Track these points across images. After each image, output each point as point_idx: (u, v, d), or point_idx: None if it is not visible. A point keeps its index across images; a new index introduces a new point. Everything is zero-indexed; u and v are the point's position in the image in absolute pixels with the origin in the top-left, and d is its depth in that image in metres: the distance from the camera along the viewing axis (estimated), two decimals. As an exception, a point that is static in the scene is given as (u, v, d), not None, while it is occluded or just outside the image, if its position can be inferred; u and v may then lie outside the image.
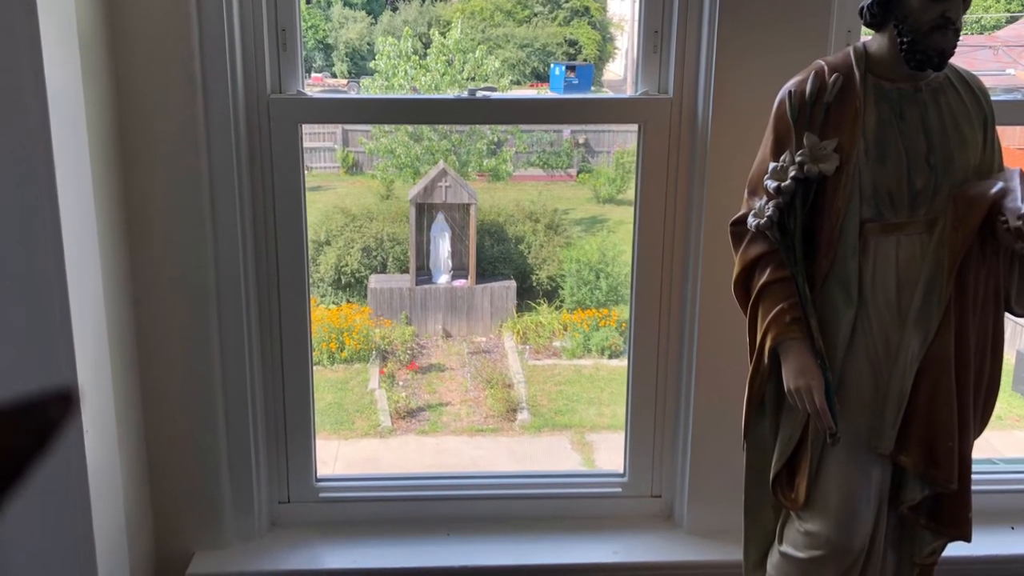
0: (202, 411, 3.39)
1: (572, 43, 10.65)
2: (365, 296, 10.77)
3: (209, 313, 3.30)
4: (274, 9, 3.27)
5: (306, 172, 3.49)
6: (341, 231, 10.83)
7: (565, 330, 10.46)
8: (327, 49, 10.83)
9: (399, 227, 10.94)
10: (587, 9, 10.82)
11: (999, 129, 2.76)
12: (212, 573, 3.47)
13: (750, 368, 2.81)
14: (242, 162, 3.26)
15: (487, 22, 10.84)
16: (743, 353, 2.85)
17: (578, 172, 11.63)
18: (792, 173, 2.61)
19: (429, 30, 10.35)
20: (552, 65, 10.29)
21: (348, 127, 10.88)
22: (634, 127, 3.51)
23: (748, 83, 3.19)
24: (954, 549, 2.92)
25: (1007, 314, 2.77)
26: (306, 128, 3.46)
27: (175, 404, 3.39)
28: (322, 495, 3.73)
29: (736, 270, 2.79)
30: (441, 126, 10.34)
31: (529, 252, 11.02)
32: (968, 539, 2.82)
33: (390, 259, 10.94)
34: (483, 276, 10.85)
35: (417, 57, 9.85)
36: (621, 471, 3.81)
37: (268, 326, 3.49)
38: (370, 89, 10.09)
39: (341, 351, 10.05)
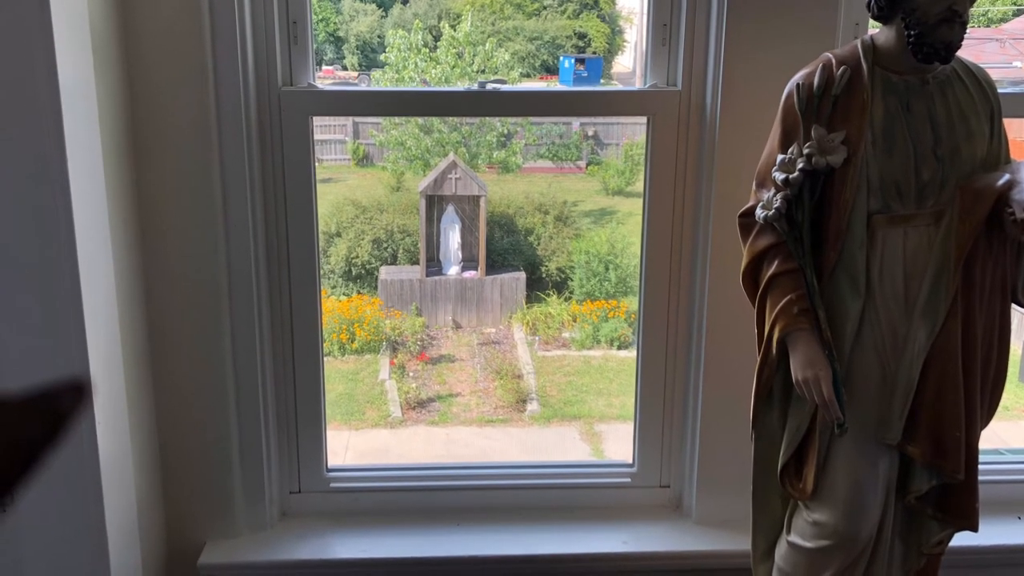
0: (213, 402, 3.40)
1: (581, 36, 10.66)
2: (375, 287, 10.78)
3: (220, 304, 3.31)
4: (285, 2, 3.28)
5: (317, 164, 3.49)
6: (352, 223, 10.84)
7: (574, 321, 10.47)
8: (338, 42, 10.84)
9: (409, 219, 10.95)
10: (596, 2, 10.83)
11: (1006, 121, 2.76)
12: (223, 563, 3.48)
13: (758, 359, 2.82)
14: (253, 154, 3.27)
15: (497, 15, 10.85)
16: (751, 344, 2.86)
17: (587, 164, 11.63)
18: (800, 165, 2.61)
19: (439, 23, 10.35)
20: (561, 58, 10.30)
21: (359, 119, 10.89)
22: (643, 119, 3.51)
23: (756, 76, 3.20)
24: (961, 539, 2.93)
25: (1014, 305, 2.78)
26: (317, 120, 3.47)
27: (187, 395, 3.40)
28: (333, 485, 3.74)
29: (744, 261, 2.80)
30: (451, 118, 10.35)
31: (539, 244, 11.02)
32: (975, 529, 2.83)
33: (400, 251, 10.94)
34: (493, 268, 10.85)
35: (427, 50, 9.86)
36: (630, 461, 3.81)
37: (279, 317, 3.51)
38: (380, 82, 10.11)
39: (352, 342, 10.06)
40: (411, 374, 10.03)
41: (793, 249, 2.68)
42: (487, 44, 9.99)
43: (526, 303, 10.76)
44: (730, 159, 3.27)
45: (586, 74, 8.85)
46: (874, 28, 2.79)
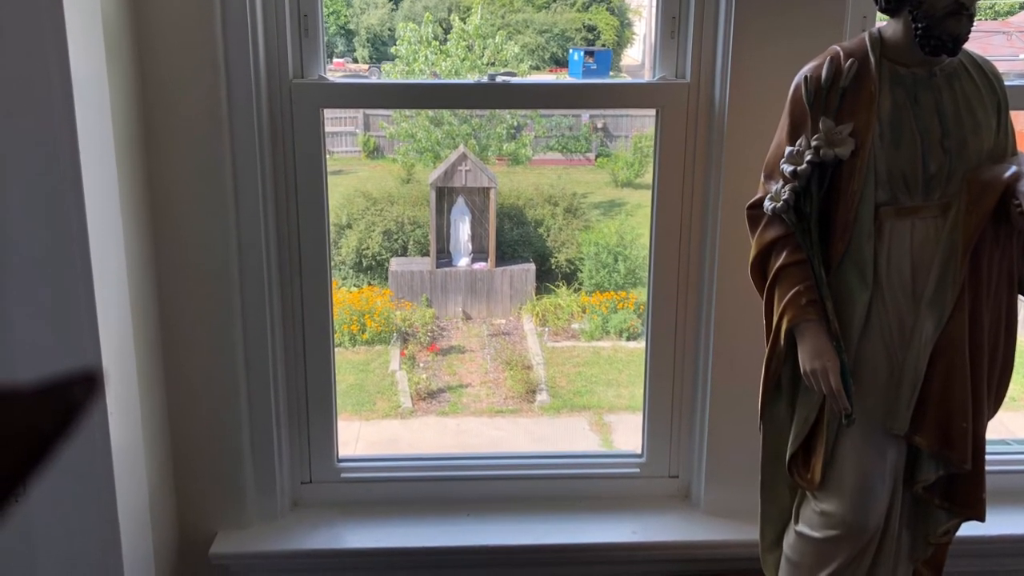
0: (225, 393, 3.42)
1: (591, 29, 10.64)
2: (386, 279, 10.77)
3: (232, 296, 3.32)
4: (296, -5, 3.30)
5: (328, 156, 3.50)
6: (362, 214, 10.83)
7: (584, 312, 10.45)
8: (348, 34, 10.82)
9: (420, 210, 10.94)
10: (605, -5, 10.82)
11: (1012, 114, 2.77)
12: (235, 552, 3.50)
13: (766, 350, 2.83)
14: (264, 146, 3.28)
15: (507, 8, 10.83)
16: (759, 335, 2.87)
17: (596, 156, 11.61)
18: (808, 157, 2.62)
19: (449, 16, 10.34)
20: (571, 50, 10.28)
21: (369, 112, 10.87)
22: (652, 112, 3.52)
23: (764, 68, 3.21)
24: (968, 528, 2.94)
25: (1021, 296, 2.79)
26: (328, 113, 3.48)
27: (198, 386, 3.41)
28: (343, 476, 3.75)
29: (753, 253, 2.81)
30: (461, 111, 10.34)
31: (548, 235, 11.00)
32: (982, 519, 2.84)
33: (411, 242, 10.93)
34: (503, 259, 10.84)
35: (437, 43, 9.84)
36: (639, 452, 3.82)
37: (290, 308, 3.52)
38: (391, 74, 10.09)
39: (362, 333, 10.05)
40: (421, 365, 10.02)
41: (801, 241, 2.68)
42: (497, 37, 9.97)
43: (536, 294, 10.74)
44: (738, 151, 3.28)
45: (595, 67, 8.83)
46: (881, 21, 2.80)
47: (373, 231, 10.76)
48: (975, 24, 2.59)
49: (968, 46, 2.64)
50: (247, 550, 3.50)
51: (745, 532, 3.41)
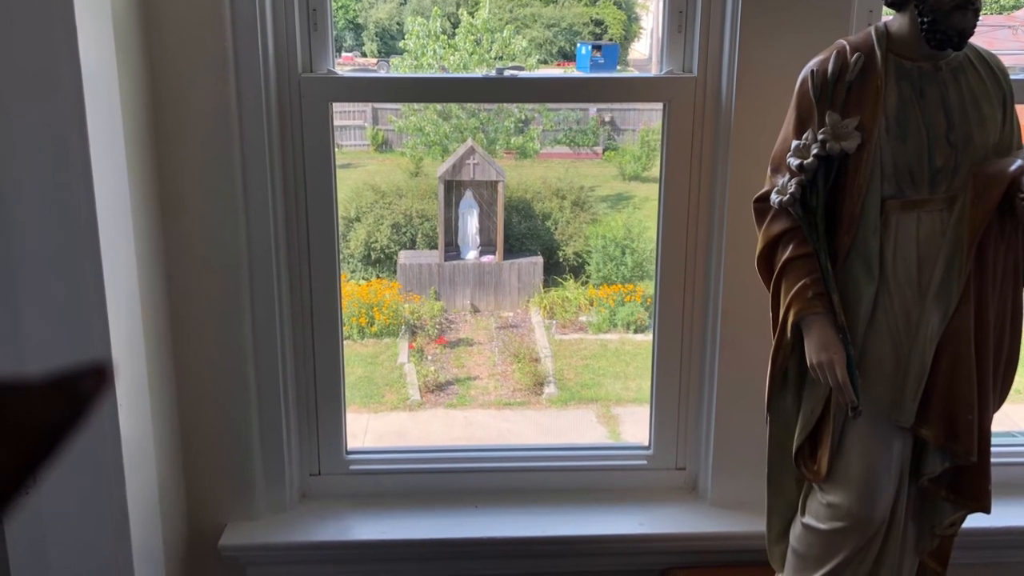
0: (234, 385, 3.42)
1: (598, 23, 10.67)
2: (394, 272, 10.80)
3: (241, 289, 3.33)
4: (304, -11, 3.31)
5: (336, 150, 3.50)
6: (371, 208, 10.85)
7: (591, 305, 10.48)
8: (357, 29, 10.85)
9: (428, 204, 10.96)
10: (613, -11, 10.84)
11: (1017, 108, 2.77)
12: (244, 544, 3.50)
13: (773, 343, 2.83)
14: (273, 140, 3.29)
15: (515, 2, 10.85)
16: (766, 328, 2.88)
17: (604, 150, 11.63)
18: (814, 151, 2.63)
19: (457, 10, 10.36)
20: (578, 44, 10.30)
21: (378, 106, 10.90)
22: (659, 106, 3.52)
23: (771, 62, 3.21)
24: (974, 521, 2.95)
25: (1026, 290, 2.80)
26: (336, 107, 3.48)
27: (208, 378, 3.42)
28: (352, 468, 3.76)
29: (759, 246, 2.81)
30: (469, 105, 10.36)
31: (556, 228, 11.03)
32: (988, 511, 2.84)
33: (419, 235, 10.96)
34: (510, 252, 10.86)
35: (446, 37, 9.88)
36: (646, 444, 3.83)
37: (299, 301, 3.53)
38: (399, 68, 10.12)
39: (371, 326, 10.07)
40: (430, 357, 10.05)
41: (807, 234, 2.69)
42: (505, 31, 10.01)
43: (543, 287, 10.77)
44: (745, 145, 3.28)
45: (603, 61, 8.83)
46: (887, 15, 2.80)
47: (382, 224, 10.79)
48: (981, 19, 2.60)
49: (974, 40, 2.65)
50: (256, 542, 3.51)
51: (752, 524, 3.42)
